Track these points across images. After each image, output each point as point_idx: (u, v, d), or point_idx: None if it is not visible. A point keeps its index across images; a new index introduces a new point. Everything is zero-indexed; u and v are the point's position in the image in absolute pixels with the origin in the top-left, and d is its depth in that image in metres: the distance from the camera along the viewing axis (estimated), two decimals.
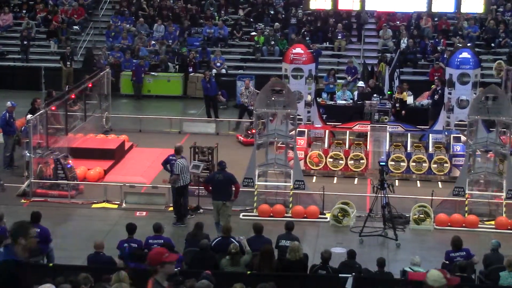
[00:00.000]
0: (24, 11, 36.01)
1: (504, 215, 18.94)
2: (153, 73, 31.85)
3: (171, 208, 19.35)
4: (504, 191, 19.20)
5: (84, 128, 24.67)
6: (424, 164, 21.94)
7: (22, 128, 21.75)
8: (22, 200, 20.05)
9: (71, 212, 19.57)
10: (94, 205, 19.91)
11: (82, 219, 19.18)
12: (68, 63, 31.79)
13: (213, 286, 11.21)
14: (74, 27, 35.06)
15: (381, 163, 18.69)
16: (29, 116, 21.32)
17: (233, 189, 18.01)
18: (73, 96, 23.95)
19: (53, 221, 18.09)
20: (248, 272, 13.56)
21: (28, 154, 20.46)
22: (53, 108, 22.13)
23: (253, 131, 23.96)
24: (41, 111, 21.31)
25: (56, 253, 15.59)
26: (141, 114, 28.16)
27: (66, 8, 35.61)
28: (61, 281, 10.84)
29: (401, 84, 27.69)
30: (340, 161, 22.21)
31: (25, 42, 33.56)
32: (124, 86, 31.70)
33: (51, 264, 14.17)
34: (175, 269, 13.07)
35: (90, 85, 25.21)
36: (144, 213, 19.40)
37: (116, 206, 19.45)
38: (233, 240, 14.52)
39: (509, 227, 18.67)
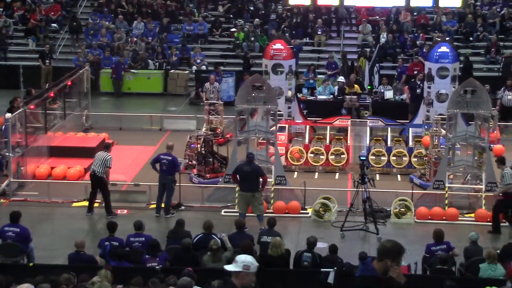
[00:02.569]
0: (1, 9, 35.76)
1: (483, 207, 19.04)
2: (133, 71, 31.75)
3: (152, 206, 19.33)
4: (484, 184, 19.31)
5: (64, 127, 24.56)
6: (404, 158, 22.02)
7: (3, 127, 21.59)
8: (1, 200, 19.92)
9: (52, 211, 19.48)
10: (74, 204, 19.82)
11: (63, 218, 19.09)
12: (47, 61, 31.65)
13: (194, 283, 11.22)
14: (53, 25, 34.88)
15: (361, 158, 18.73)
16: (7, 115, 21.17)
17: (261, 180, 18.04)
18: (52, 95, 23.84)
19: (33, 221, 18.00)
20: None
21: (7, 154, 20.33)
22: (32, 106, 22.01)
23: (218, 130, 23.73)
24: (19, 110, 21.18)
25: (37, 252, 15.52)
26: (122, 111, 28.09)
27: (42, 7, 35.32)
28: (41, 280, 10.79)
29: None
30: (321, 156, 22.25)
31: (3, 41, 33.34)
32: (103, 84, 31.59)
33: (31, 264, 14.12)
34: (157, 267, 13.11)
35: (69, 83, 25.11)
36: (125, 211, 19.33)
37: (97, 205, 19.34)
38: (214, 237, 14.52)
39: (488, 219, 18.75)
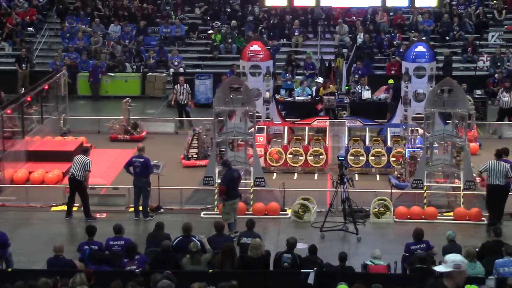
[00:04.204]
0: None
1: (462, 206, 19.15)
2: (110, 74, 31.65)
3: (131, 209, 19.26)
4: (462, 183, 19.42)
5: (42, 131, 24.43)
6: (383, 158, 22.10)
7: None
8: None
9: (30, 216, 19.34)
10: (53, 208, 19.70)
11: (41, 223, 18.97)
12: (24, 65, 31.47)
13: (174, 286, 11.20)
14: (29, 28, 34.69)
15: (340, 158, 18.75)
16: None
17: None
18: (29, 99, 23.71)
19: (11, 225, 17.92)
20: (210, 270, 13.56)
21: None
22: (8, 111, 21.88)
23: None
24: None
25: (15, 257, 15.39)
26: (99, 115, 27.95)
27: (18, 10, 35.13)
28: (20, 285, 10.73)
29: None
30: (300, 157, 22.28)
31: None
32: (81, 87, 31.48)
33: (10, 269, 14.01)
34: (137, 270, 13.07)
35: (46, 87, 24.99)
36: (104, 214, 19.25)
37: (76, 209, 19.25)
38: (194, 239, 14.50)
39: (467, 218, 18.89)
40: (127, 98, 26.43)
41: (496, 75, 29.86)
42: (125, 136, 25.30)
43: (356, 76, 28.70)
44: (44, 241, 17.20)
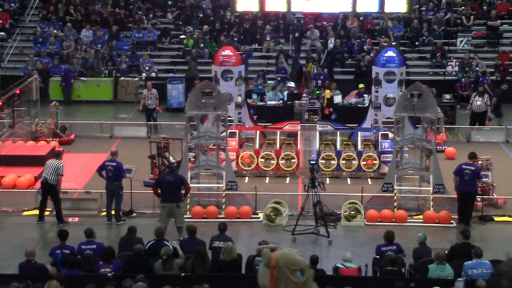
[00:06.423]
0: None
1: (431, 209, 19.39)
2: (82, 78, 31.60)
3: (104, 213, 19.27)
4: (431, 186, 19.67)
5: (13, 135, 24.34)
6: (353, 162, 22.32)
7: None
8: None
9: (1, 220, 19.28)
10: (25, 213, 19.65)
11: (13, 227, 18.91)
12: None
13: None
14: (0, 33, 34.52)
15: (311, 162, 18.92)
16: None
17: (183, 190, 17.98)
18: (0, 103, 23.63)
19: None
20: (182, 274, 13.63)
21: None
22: None
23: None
24: None
25: None
26: (72, 119, 27.88)
27: None
28: None
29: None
30: (272, 161, 22.43)
31: None
32: (53, 92, 31.37)
33: None
34: (109, 274, 13.13)
35: (18, 92, 24.90)
36: (77, 218, 19.25)
37: (48, 213, 19.22)
38: (166, 243, 14.55)
39: (436, 220, 19.13)
40: (54, 102, 26.51)
41: (462, 80, 30.26)
42: (54, 139, 25.21)
43: (319, 81, 28.90)
44: (15, 245, 17.15)
